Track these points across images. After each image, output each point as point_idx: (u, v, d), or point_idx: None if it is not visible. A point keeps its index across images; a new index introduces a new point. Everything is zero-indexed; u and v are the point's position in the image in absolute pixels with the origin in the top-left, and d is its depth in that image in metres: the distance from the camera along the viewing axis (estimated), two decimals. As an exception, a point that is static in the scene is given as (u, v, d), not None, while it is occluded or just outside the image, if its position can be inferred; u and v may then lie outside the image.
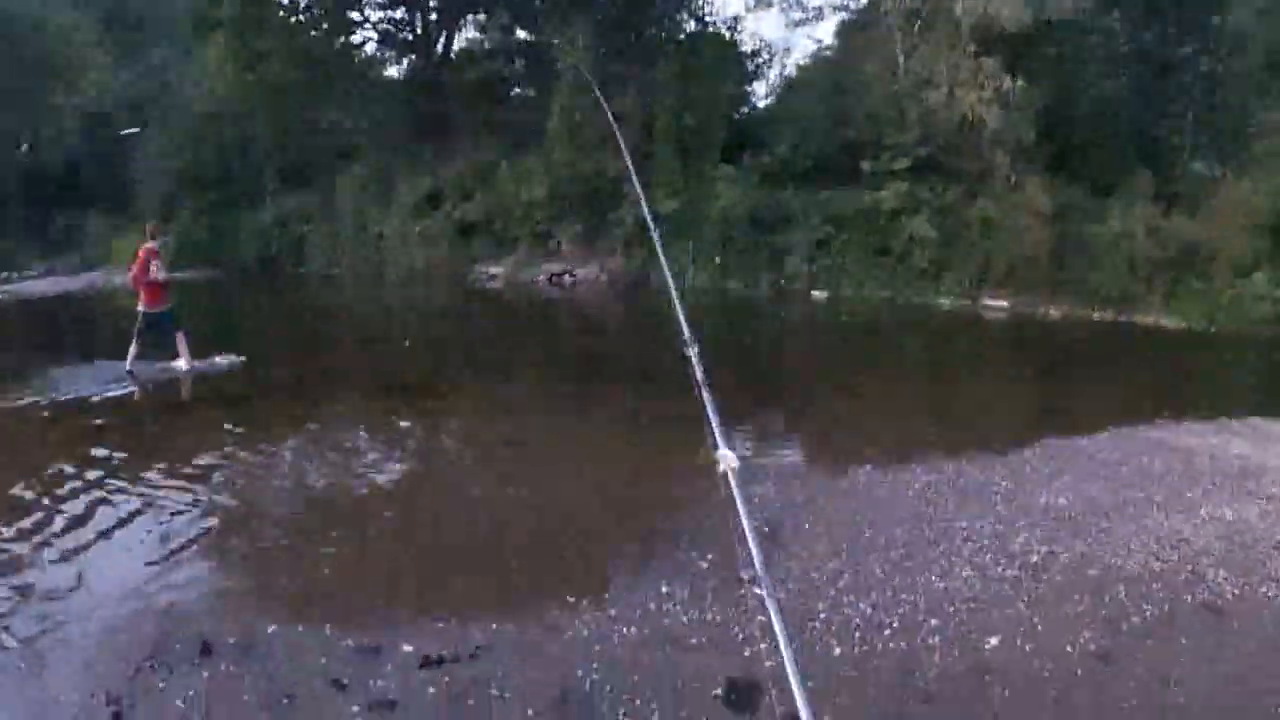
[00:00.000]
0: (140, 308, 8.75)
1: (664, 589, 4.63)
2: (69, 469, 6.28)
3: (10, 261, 14.67)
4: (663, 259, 3.58)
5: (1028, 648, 4.20)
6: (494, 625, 4.28)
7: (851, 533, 5.37)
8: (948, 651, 4.15)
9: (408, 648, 4.07)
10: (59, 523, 5.39)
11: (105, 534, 5.25)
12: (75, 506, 5.63)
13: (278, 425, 7.47)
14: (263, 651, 4.02)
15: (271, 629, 4.20)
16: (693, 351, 2.51)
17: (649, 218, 4.20)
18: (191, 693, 3.69)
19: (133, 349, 8.74)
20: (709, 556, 5.01)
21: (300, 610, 4.41)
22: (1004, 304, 14.28)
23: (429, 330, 12.98)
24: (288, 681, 3.80)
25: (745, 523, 1.86)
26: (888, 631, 4.31)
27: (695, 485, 6.30)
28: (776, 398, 8.91)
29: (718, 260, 16.34)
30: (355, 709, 3.62)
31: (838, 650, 4.14)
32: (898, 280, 15.36)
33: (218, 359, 9.31)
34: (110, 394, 8.34)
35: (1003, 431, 7.53)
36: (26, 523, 5.38)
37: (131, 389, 8.60)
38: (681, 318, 2.69)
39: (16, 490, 5.87)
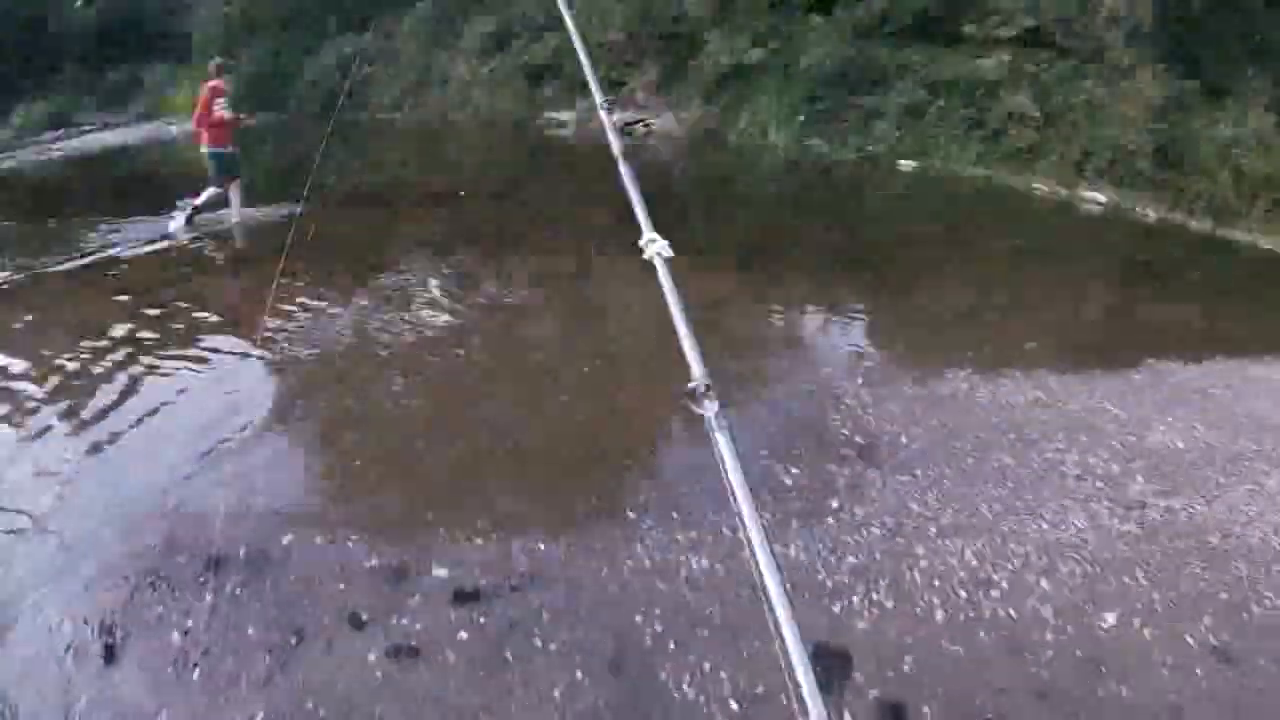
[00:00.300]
0: (204, 148, 8.10)
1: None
2: (119, 334, 5.78)
3: (67, 118, 14.04)
4: (589, 71, 2.50)
5: (1146, 632, 3.40)
6: (541, 545, 3.66)
7: (953, 456, 4.52)
8: (1061, 628, 3.37)
9: (440, 572, 3.49)
10: (100, 401, 4.91)
11: (144, 418, 4.74)
12: (119, 381, 5.13)
13: (334, 286, 6.80)
14: (275, 568, 3.49)
15: (288, 539, 3.65)
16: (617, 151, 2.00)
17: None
18: (190, 624, 3.19)
19: (205, 194, 8.16)
20: (793, 470, 4.26)
21: (325, 516, 3.85)
22: (1100, 198, 12.61)
23: (492, 180, 12.08)
24: (299, 612, 3.27)
25: (678, 316, 1.60)
26: (995, 593, 3.53)
27: (785, 360, 5.54)
28: (859, 277, 7.81)
29: (801, 118, 14.77)
30: (372, 656, 3.06)
31: (940, 614, 3.39)
32: (991, 157, 13.64)
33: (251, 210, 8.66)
34: (166, 247, 7.80)
35: (1105, 347, 6.33)
36: (66, 402, 4.92)
37: (189, 239, 8.05)
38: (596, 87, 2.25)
39: (61, 360, 5.42)
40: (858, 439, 4.56)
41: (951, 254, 8.71)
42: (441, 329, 6.00)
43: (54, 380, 5.14)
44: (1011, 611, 3.43)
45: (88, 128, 13.15)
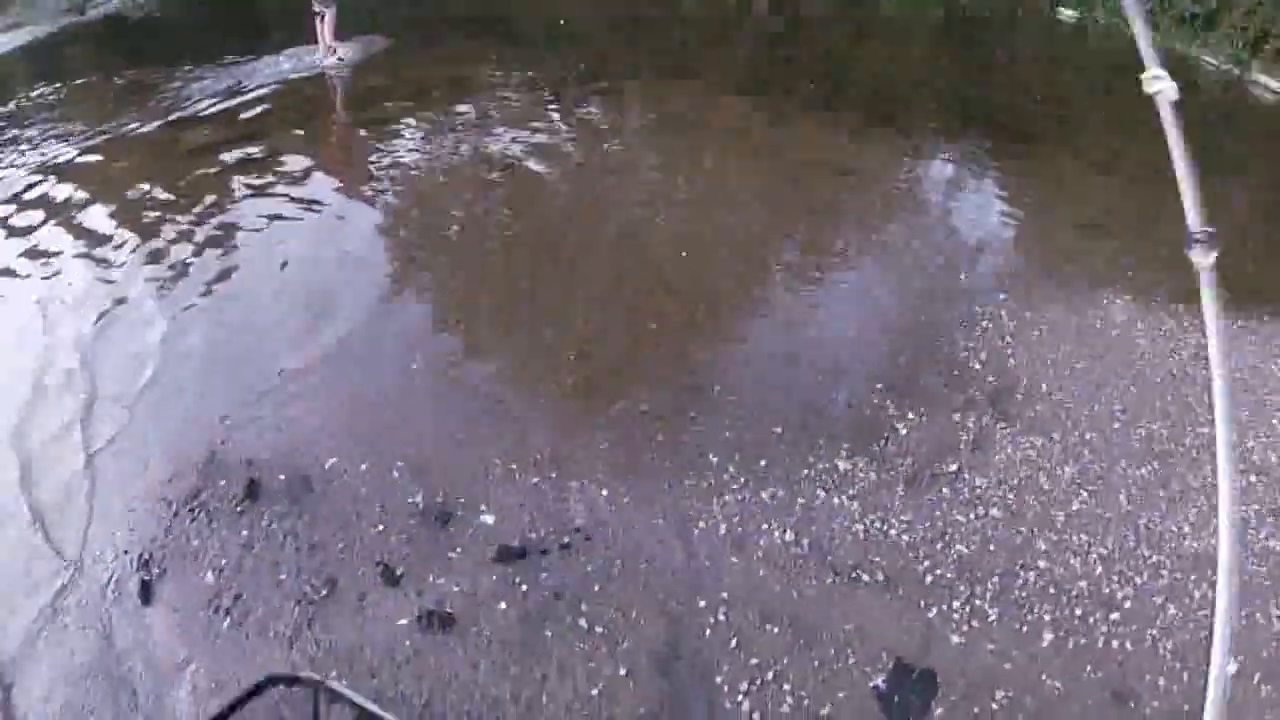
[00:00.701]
0: None
1: (842, 465, 3.35)
2: (210, 199, 5.32)
3: None
4: None
5: (1264, 691, 2.72)
6: (603, 492, 3.24)
7: (1099, 418, 3.69)
8: (1175, 672, 2.75)
9: (487, 518, 3.15)
10: (188, 288, 4.53)
11: (223, 315, 4.36)
12: (208, 264, 4.71)
13: (431, 140, 6.18)
14: (315, 498, 3.24)
15: (331, 462, 3.38)
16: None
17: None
18: (224, 563, 3.01)
19: (328, 22, 7.45)
20: (910, 415, 3.59)
21: (374, 434, 3.52)
22: (1274, 84, 10.04)
23: (601, 6, 10.80)
24: (332, 556, 3.02)
25: (1179, 159, 1.31)
26: (1115, 615, 2.90)
27: (918, 256, 4.65)
28: (1006, 155, 6.28)
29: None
30: (403, 621, 2.80)
31: (1047, 636, 2.82)
32: (1160, 18, 11.03)
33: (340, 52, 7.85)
34: (261, 95, 7.23)
35: (1274, 287, 4.92)
36: (156, 283, 4.57)
37: (281, 84, 7.46)
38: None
39: (164, 231, 5.02)
40: (991, 379, 3.78)
41: (1112, 135, 6.96)
42: (543, 193, 5.36)
43: (144, 255, 4.87)
44: (1127, 644, 2.81)
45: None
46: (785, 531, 3.09)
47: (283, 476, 3.31)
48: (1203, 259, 1.36)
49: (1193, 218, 1.40)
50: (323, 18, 7.39)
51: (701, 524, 3.13)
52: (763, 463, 3.37)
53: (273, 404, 3.69)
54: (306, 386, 3.78)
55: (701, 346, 3.97)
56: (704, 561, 3.00)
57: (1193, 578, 3.04)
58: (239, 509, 3.20)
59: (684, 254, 4.53)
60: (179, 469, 3.42)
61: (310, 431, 3.53)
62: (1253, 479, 3.39)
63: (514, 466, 3.35)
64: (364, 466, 3.35)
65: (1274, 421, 3.66)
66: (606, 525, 3.12)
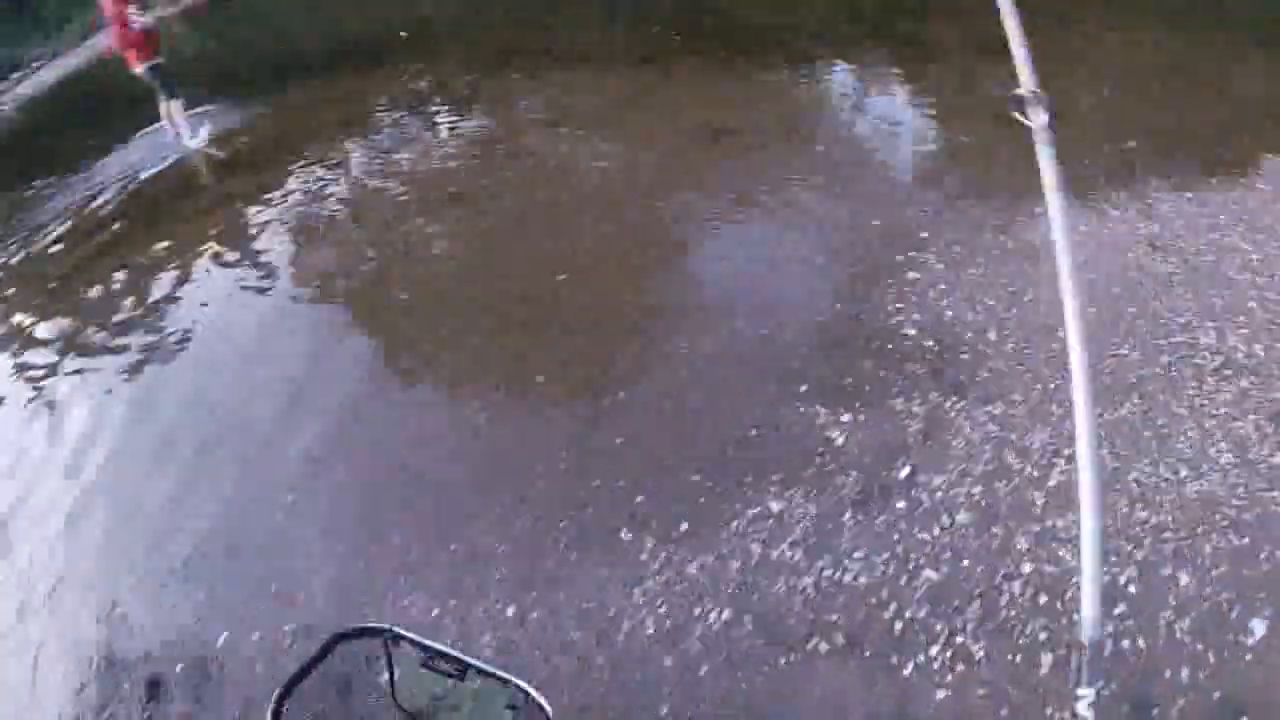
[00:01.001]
0: (137, 69, 6.62)
1: (775, 505, 2.85)
2: (87, 338, 4.97)
3: (16, 59, 11.88)
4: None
5: None
6: (508, 612, 2.80)
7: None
8: (1199, 655, 2.26)
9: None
10: (74, 458, 4.13)
11: (105, 491, 3.91)
12: (100, 422, 4.28)
13: (297, 195, 5.76)
14: (213, 685, 2.90)
15: (223, 639, 3.02)
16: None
17: None
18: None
19: (176, 116, 6.94)
20: (844, 416, 3.04)
21: (261, 595, 3.13)
22: None
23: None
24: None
25: (1008, 14, 1.38)
26: (1121, 608, 2.38)
27: (822, 206, 4.05)
28: (898, 64, 5.36)
29: None
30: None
31: (1046, 661, 2.33)
32: None
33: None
34: (116, 195, 6.72)
35: (1225, 141, 4.20)
36: (39, 467, 4.16)
37: (186, 152, 7.02)
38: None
39: (50, 388, 4.64)
40: (928, 342, 3.20)
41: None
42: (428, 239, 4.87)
43: (38, 422, 4.50)
44: (1139, 640, 2.30)
45: (37, 65, 11.57)
46: (722, 611, 2.62)
47: (180, 666, 2.99)
48: (1035, 119, 1.34)
49: (1024, 78, 1.39)
50: (167, 105, 6.88)
51: (625, 624, 2.68)
52: (684, 526, 2.88)
53: (162, 579, 3.36)
54: (191, 553, 3.42)
55: (591, 394, 3.46)
56: (634, 674, 2.55)
57: (1200, 530, 2.50)
58: (145, 715, 2.87)
59: (561, 277, 4.00)
60: (85, 677, 3.12)
61: (199, 605, 3.20)
62: (1244, 384, 2.81)
63: (408, 604, 2.94)
64: (256, 637, 2.99)
65: (1252, 306, 3.04)
66: (518, 652, 2.69)
